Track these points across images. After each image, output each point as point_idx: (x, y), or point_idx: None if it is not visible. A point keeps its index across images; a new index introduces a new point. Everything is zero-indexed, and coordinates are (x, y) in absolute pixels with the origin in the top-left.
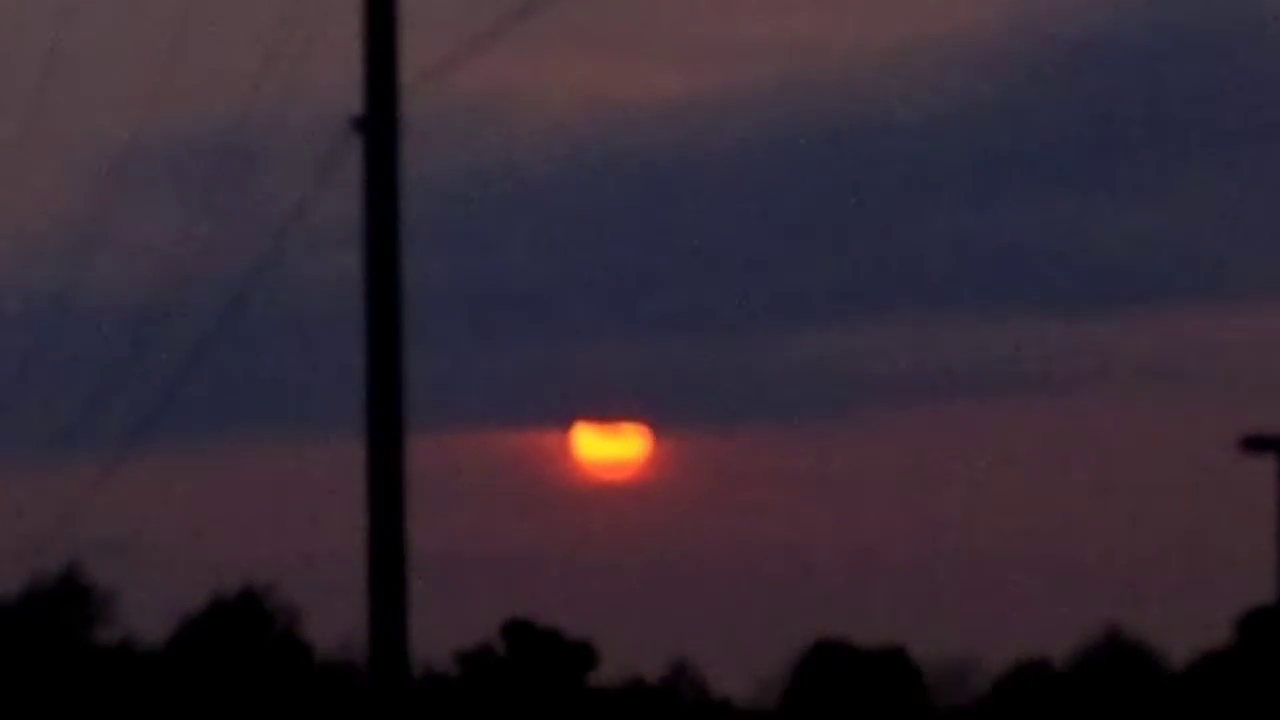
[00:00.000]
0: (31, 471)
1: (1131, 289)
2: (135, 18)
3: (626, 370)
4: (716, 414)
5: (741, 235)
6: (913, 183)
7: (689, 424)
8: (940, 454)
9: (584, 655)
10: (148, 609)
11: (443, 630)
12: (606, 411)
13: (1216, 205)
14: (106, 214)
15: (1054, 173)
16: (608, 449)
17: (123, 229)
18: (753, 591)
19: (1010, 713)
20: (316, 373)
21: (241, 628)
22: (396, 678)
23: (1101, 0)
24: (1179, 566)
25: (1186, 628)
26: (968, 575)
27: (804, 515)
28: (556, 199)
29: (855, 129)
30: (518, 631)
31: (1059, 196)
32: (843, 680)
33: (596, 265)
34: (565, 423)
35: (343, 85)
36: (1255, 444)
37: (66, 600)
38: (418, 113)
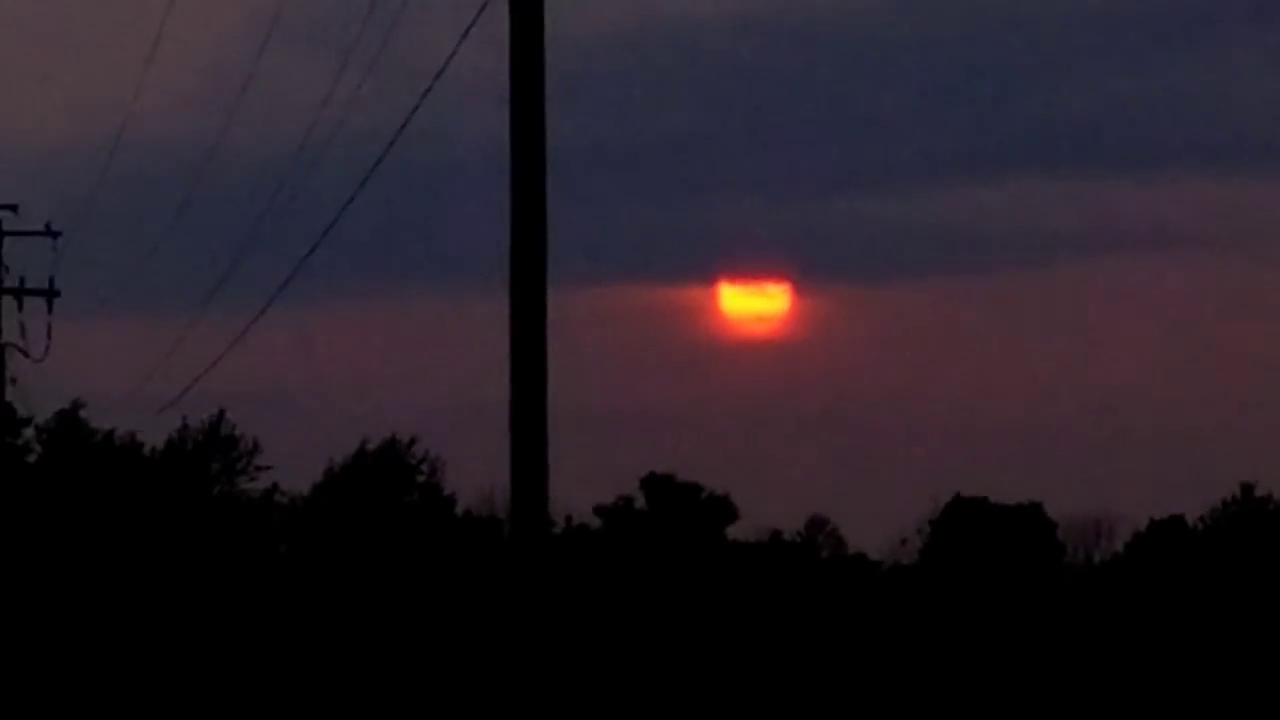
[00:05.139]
0: (180, 322)
1: (1273, 148)
2: None
3: (771, 227)
4: (859, 271)
5: (890, 93)
6: (1061, 43)
7: (831, 281)
8: (1082, 312)
9: (723, 509)
10: (293, 460)
11: (584, 483)
12: (750, 268)
13: None
14: (257, 68)
15: (1199, 33)
16: (751, 305)
17: (272, 83)
18: (891, 448)
19: (1144, 569)
20: (462, 228)
21: (385, 479)
22: (537, 530)
23: None
24: None
25: None
26: (1104, 434)
27: (944, 373)
28: (703, 55)
29: None
30: (658, 485)
31: (1205, 57)
32: (979, 536)
33: (741, 122)
34: (709, 279)
35: None
36: None
37: (213, 450)
38: None
